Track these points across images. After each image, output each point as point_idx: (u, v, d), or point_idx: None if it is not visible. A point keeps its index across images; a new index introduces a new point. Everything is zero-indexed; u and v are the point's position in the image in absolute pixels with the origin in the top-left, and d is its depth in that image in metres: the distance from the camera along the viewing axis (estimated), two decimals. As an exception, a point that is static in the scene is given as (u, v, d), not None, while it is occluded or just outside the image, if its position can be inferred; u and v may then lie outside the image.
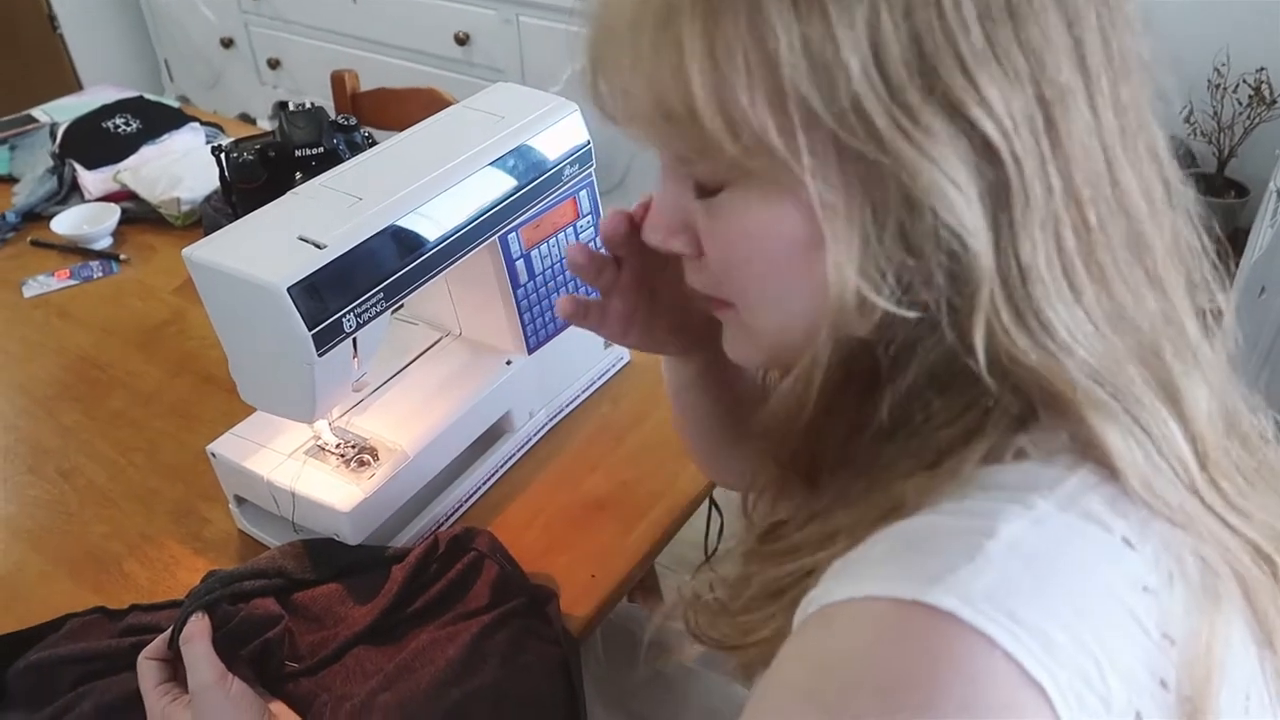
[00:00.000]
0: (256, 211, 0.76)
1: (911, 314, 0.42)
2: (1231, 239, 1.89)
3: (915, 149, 0.38)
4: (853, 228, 0.40)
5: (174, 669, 0.70)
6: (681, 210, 0.48)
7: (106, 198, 1.42)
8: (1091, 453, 0.41)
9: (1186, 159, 1.88)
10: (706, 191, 0.46)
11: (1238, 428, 0.47)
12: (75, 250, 1.34)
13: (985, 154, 0.39)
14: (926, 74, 0.38)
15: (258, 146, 1.17)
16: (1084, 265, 0.41)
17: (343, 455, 0.83)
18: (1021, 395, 0.42)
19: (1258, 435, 0.48)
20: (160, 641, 0.70)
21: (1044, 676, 0.35)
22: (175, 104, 1.64)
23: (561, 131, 0.87)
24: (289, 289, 0.67)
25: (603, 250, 0.62)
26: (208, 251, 0.71)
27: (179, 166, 1.41)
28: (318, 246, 0.70)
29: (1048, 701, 0.35)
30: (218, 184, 1.28)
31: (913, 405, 0.45)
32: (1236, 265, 1.66)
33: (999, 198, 0.39)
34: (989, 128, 0.38)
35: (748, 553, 0.54)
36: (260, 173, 1.16)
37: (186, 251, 0.71)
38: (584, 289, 0.96)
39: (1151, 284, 0.43)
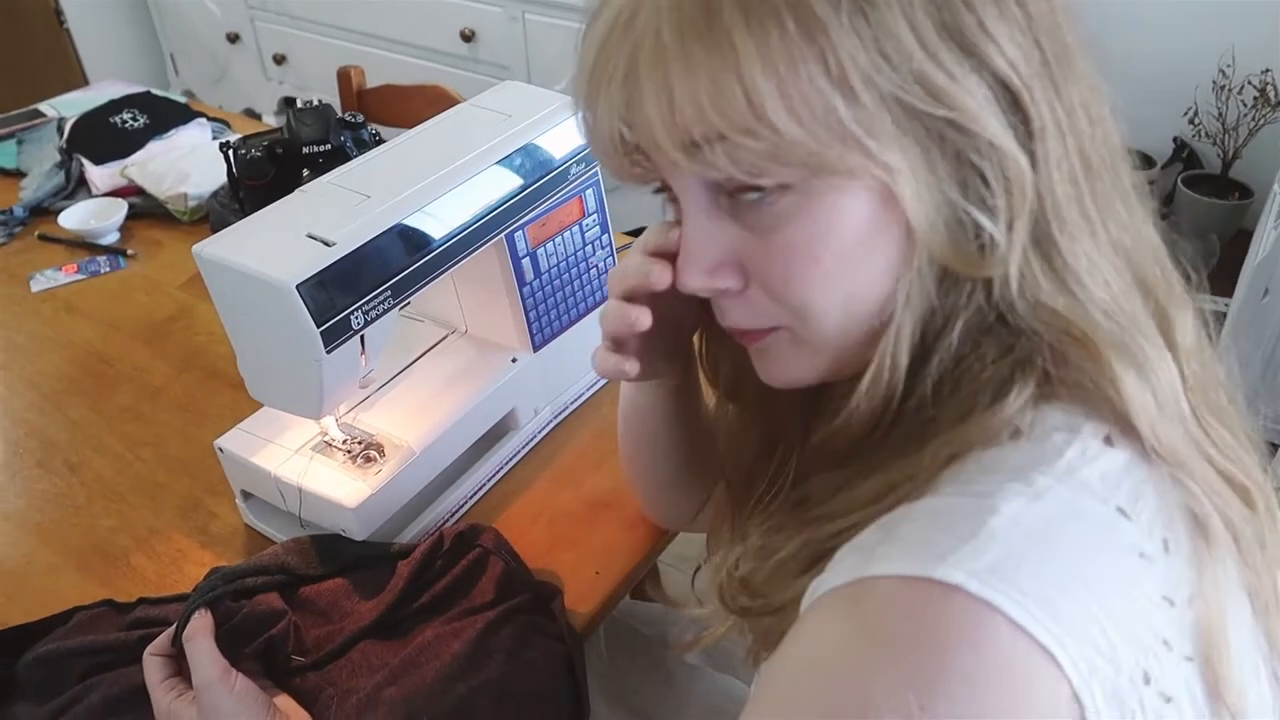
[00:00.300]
0: (265, 209, 0.76)
1: (978, 267, 0.45)
2: (1235, 241, 1.90)
3: (964, 95, 0.43)
4: (920, 185, 0.44)
5: (179, 665, 0.70)
6: (721, 244, 0.48)
7: (114, 193, 1.43)
8: (1099, 405, 0.44)
9: (1191, 160, 1.89)
10: (753, 210, 0.46)
11: (1210, 368, 0.50)
12: (82, 245, 1.35)
13: (1007, 97, 0.44)
14: (953, 33, 0.43)
15: (265, 143, 1.17)
16: (1091, 200, 0.46)
17: (349, 451, 0.83)
18: (1046, 345, 0.46)
19: (1222, 378, 0.51)
20: (164, 638, 0.70)
21: (1052, 643, 0.37)
22: (181, 99, 1.65)
23: (568, 130, 0.88)
24: (298, 286, 0.68)
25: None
26: (217, 248, 0.71)
27: (186, 162, 1.41)
28: (326, 244, 0.71)
29: (1058, 667, 0.37)
30: (224, 180, 1.29)
31: (953, 366, 0.48)
32: (1240, 268, 1.66)
33: (1019, 129, 0.44)
34: (1009, 73, 0.43)
35: (776, 525, 0.56)
36: (268, 169, 1.17)
37: (196, 248, 0.72)
38: (587, 286, 0.96)
39: (1133, 218, 0.48)
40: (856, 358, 0.50)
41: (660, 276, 0.56)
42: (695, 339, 0.66)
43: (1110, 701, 0.38)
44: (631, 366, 0.63)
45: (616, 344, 0.64)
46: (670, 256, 0.54)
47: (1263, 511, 0.48)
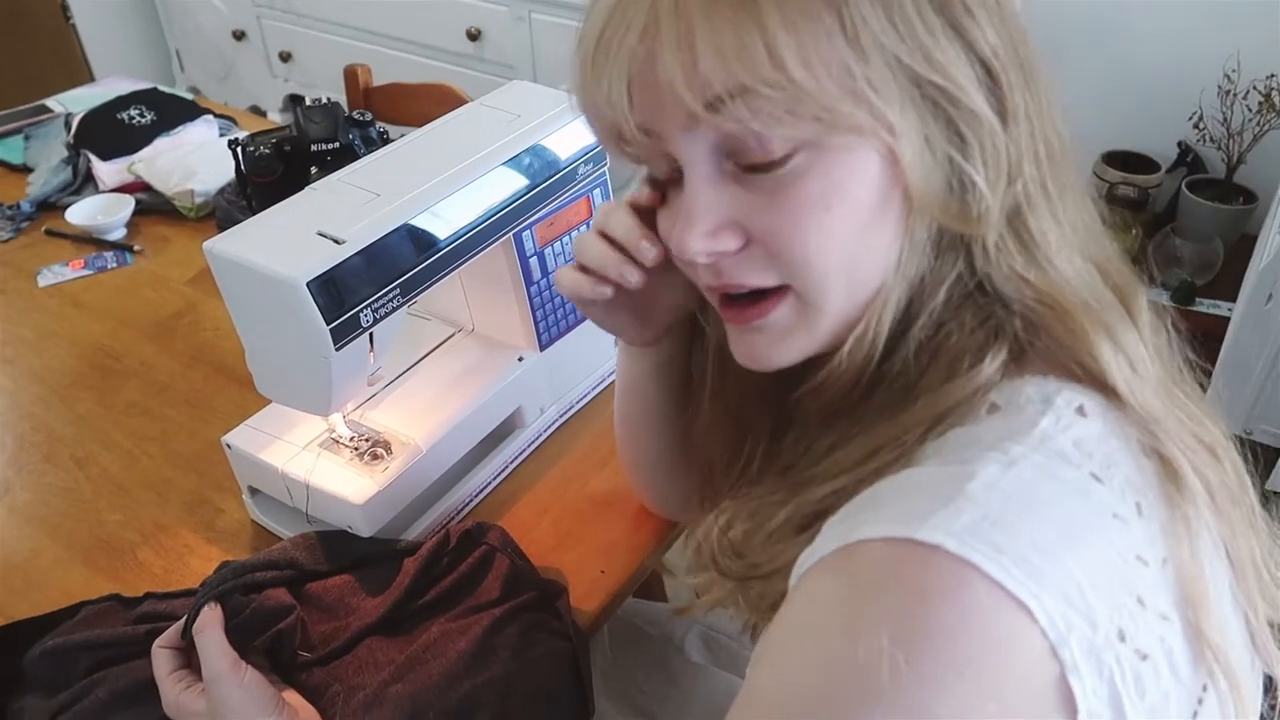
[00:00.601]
0: (275, 206, 0.76)
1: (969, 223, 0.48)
2: (1239, 246, 1.89)
3: (955, 68, 0.46)
4: (919, 147, 0.46)
5: (188, 657, 0.70)
6: (724, 208, 0.49)
7: (121, 189, 1.43)
8: (1074, 373, 0.47)
9: (1195, 165, 1.89)
10: (760, 170, 0.47)
11: (1165, 344, 0.53)
12: (89, 240, 1.35)
13: (988, 79, 0.47)
14: (945, 13, 0.46)
15: (273, 140, 1.17)
16: (1053, 184, 0.50)
17: (356, 448, 0.84)
18: (1020, 315, 0.49)
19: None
20: (174, 631, 0.71)
21: (1029, 599, 0.38)
22: (187, 96, 1.65)
23: (576, 130, 0.88)
24: (308, 283, 0.68)
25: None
26: (228, 245, 0.72)
27: (193, 159, 1.41)
28: (336, 242, 0.71)
29: (1035, 623, 0.38)
30: (231, 176, 1.29)
31: (934, 332, 0.50)
32: (1243, 273, 1.67)
33: (996, 107, 0.48)
34: (990, 56, 0.47)
35: (763, 487, 0.57)
36: (276, 166, 1.17)
37: (207, 245, 0.72)
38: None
39: (1083, 208, 0.52)
40: (844, 330, 0.51)
41: (646, 251, 0.58)
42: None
43: (1088, 658, 0.39)
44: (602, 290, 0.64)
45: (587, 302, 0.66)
46: (650, 226, 0.57)
47: (1229, 469, 0.50)
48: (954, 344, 0.50)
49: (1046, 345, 0.49)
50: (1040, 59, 0.49)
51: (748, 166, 0.47)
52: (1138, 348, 0.49)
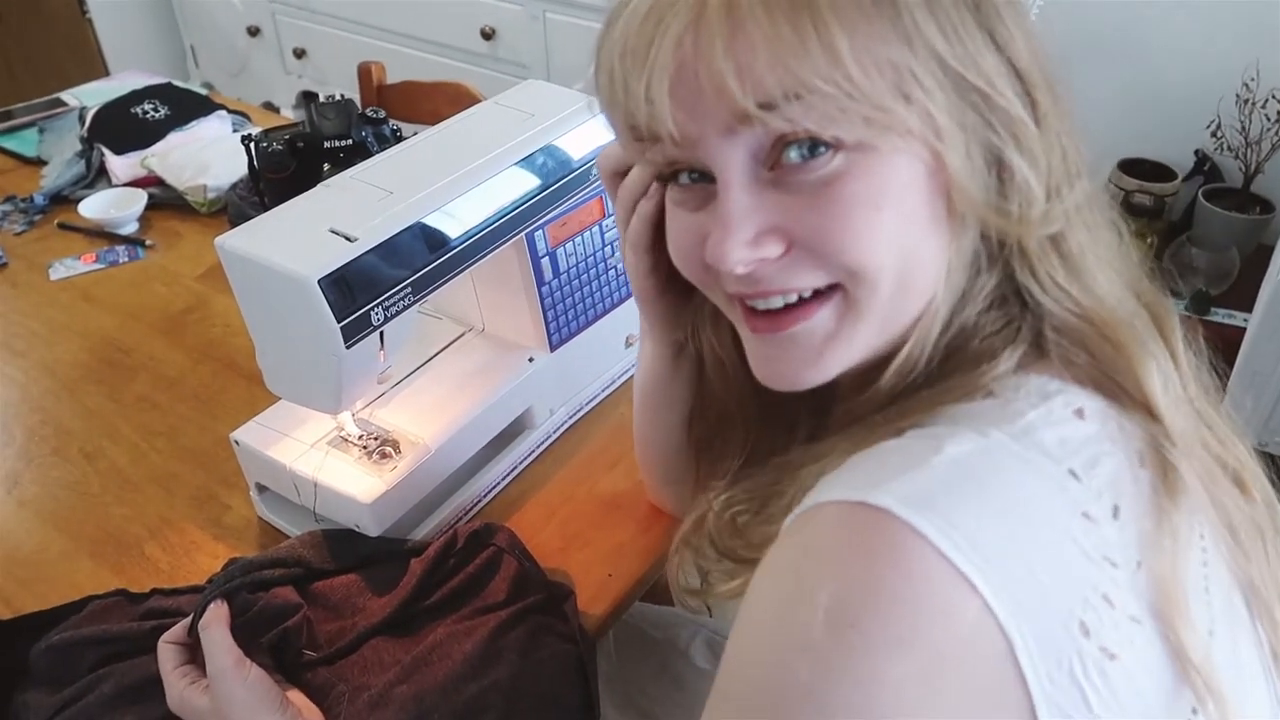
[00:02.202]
0: (288, 202, 0.76)
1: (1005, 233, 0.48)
2: (1255, 256, 1.87)
3: (999, 77, 0.46)
4: (964, 153, 0.46)
5: (193, 653, 0.70)
6: (763, 214, 0.47)
7: (134, 183, 1.43)
8: (1105, 385, 0.47)
9: (1212, 173, 1.87)
10: (803, 173, 0.46)
11: (1195, 365, 0.53)
12: (101, 234, 1.35)
13: (1025, 91, 0.47)
14: (986, 27, 0.46)
15: (287, 137, 1.17)
16: (1085, 201, 0.49)
17: (365, 447, 0.83)
18: (1053, 325, 0.49)
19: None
20: (180, 627, 0.71)
21: (974, 573, 0.38)
22: (201, 91, 1.65)
23: (590, 130, 0.87)
24: (319, 281, 0.68)
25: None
26: (240, 241, 0.71)
27: (206, 154, 1.41)
28: (348, 239, 0.71)
29: (980, 597, 0.38)
30: (244, 172, 1.29)
31: (962, 334, 0.50)
32: (1259, 282, 1.65)
33: (1031, 113, 0.48)
34: (1027, 70, 0.47)
35: (777, 464, 0.57)
36: (289, 163, 1.17)
37: (219, 240, 0.72)
38: (605, 287, 0.96)
39: (1112, 225, 0.52)
40: (886, 343, 0.51)
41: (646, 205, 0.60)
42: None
43: (1043, 645, 0.39)
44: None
45: None
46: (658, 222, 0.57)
47: (1259, 498, 0.50)
48: (973, 347, 0.50)
49: (1080, 359, 0.48)
50: (1061, 81, 0.49)
51: (790, 168, 0.46)
52: (1170, 366, 0.49)
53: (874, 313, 0.49)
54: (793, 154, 0.46)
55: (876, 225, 0.46)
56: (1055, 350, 0.49)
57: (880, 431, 0.49)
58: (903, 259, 0.47)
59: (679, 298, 0.66)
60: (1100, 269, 0.50)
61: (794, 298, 0.49)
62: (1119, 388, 0.47)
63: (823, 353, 0.50)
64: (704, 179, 0.49)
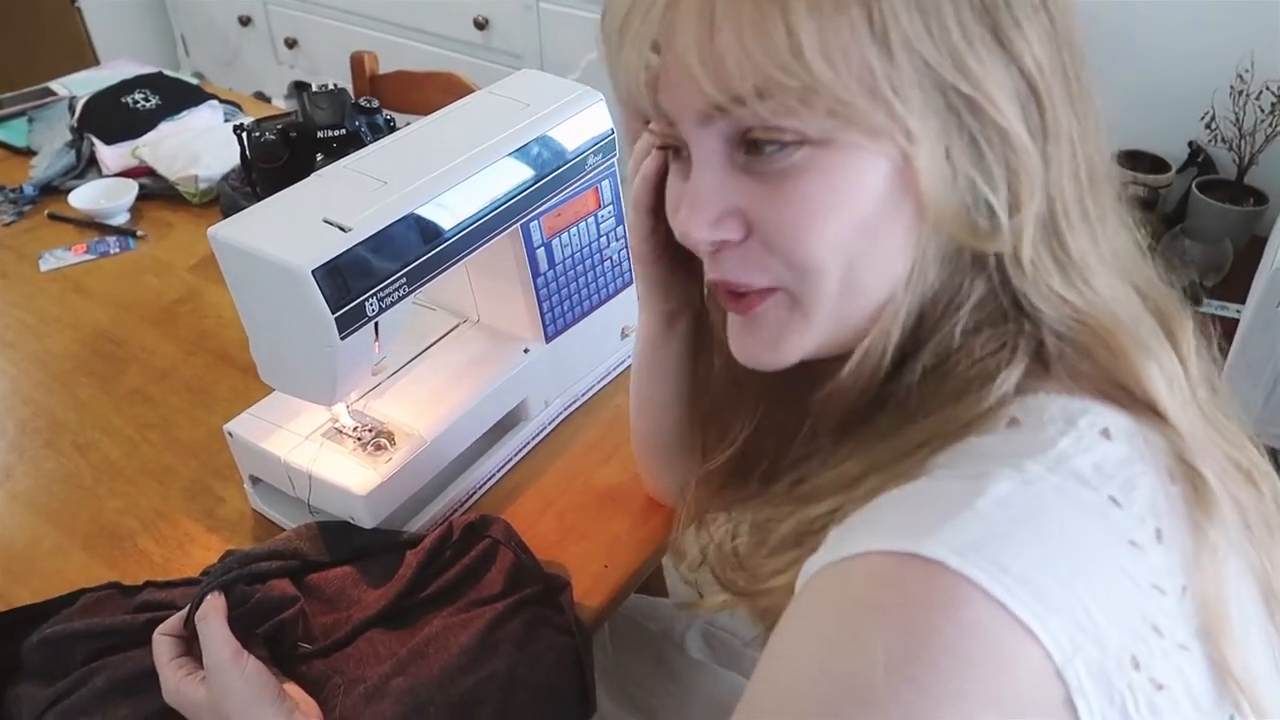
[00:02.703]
0: (281, 192, 0.76)
1: (989, 242, 0.46)
2: (1249, 247, 1.87)
3: (990, 81, 0.44)
4: (936, 158, 0.44)
5: (189, 645, 0.70)
6: (729, 196, 0.48)
7: (124, 173, 1.42)
8: (1107, 393, 0.46)
9: (1206, 165, 1.87)
10: (769, 162, 0.46)
11: (1206, 364, 0.52)
12: (92, 225, 1.34)
13: (1030, 95, 0.45)
14: (990, 23, 0.44)
15: (279, 126, 1.16)
16: (1093, 206, 0.48)
17: (359, 439, 0.83)
18: (1054, 332, 0.47)
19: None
20: (176, 619, 0.70)
21: (1032, 620, 0.37)
22: (192, 80, 1.64)
23: (586, 120, 0.87)
24: (313, 271, 0.67)
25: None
26: (232, 231, 0.71)
27: (198, 144, 1.40)
28: (342, 229, 0.70)
29: (1039, 644, 0.37)
30: (236, 162, 1.28)
31: (953, 350, 0.49)
32: (1253, 274, 1.65)
33: (1035, 124, 0.46)
34: (1035, 72, 0.45)
35: (770, 499, 0.57)
36: (281, 152, 1.16)
37: (211, 231, 0.71)
38: (600, 279, 0.96)
39: (1123, 230, 0.51)
40: (847, 337, 0.50)
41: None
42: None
43: (1096, 682, 0.38)
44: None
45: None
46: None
47: (1268, 495, 0.49)
48: (965, 369, 0.48)
49: (1082, 366, 0.47)
50: (1088, 72, 0.48)
51: (756, 156, 0.46)
52: (1176, 369, 0.48)
53: (821, 308, 0.49)
54: (758, 142, 0.46)
55: (824, 228, 0.46)
56: (1058, 362, 0.47)
57: (887, 463, 0.48)
58: (848, 262, 0.47)
59: (675, 267, 0.67)
60: (1102, 272, 0.48)
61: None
62: (1126, 394, 0.46)
63: (779, 340, 0.51)
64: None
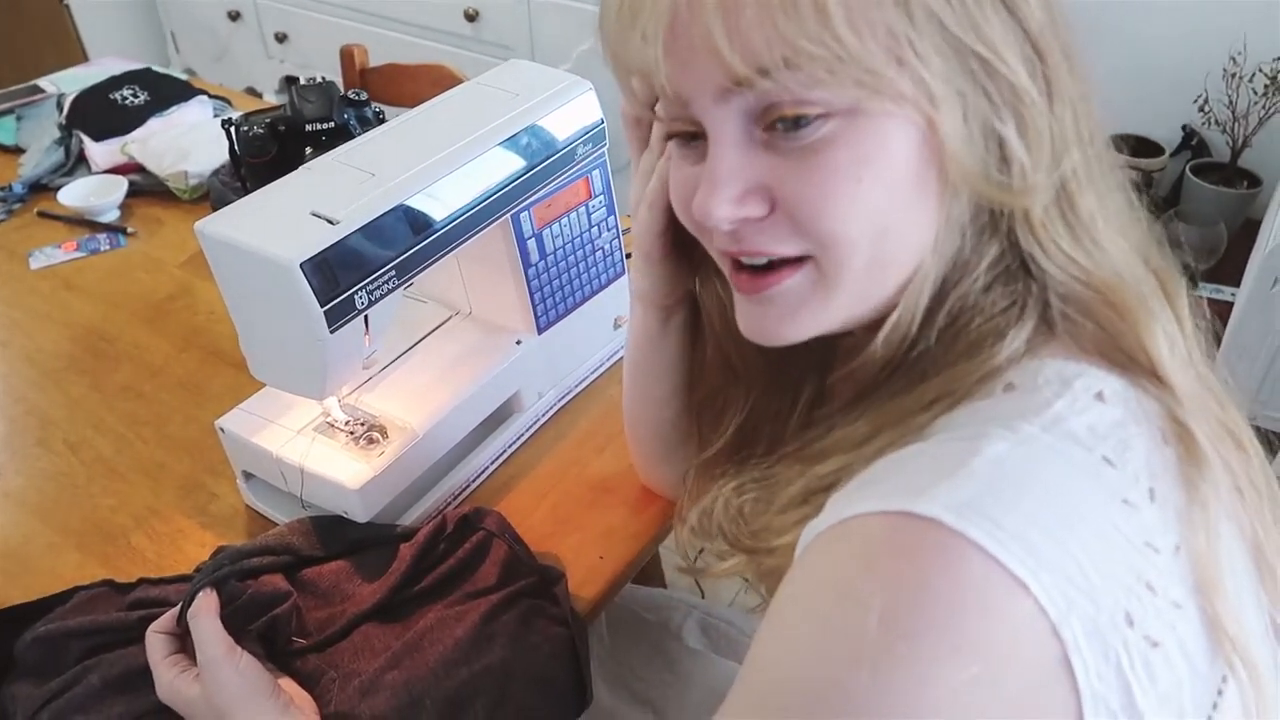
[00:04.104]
0: (268, 186, 0.75)
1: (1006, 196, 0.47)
2: (1243, 230, 1.88)
3: (1004, 44, 0.45)
4: (959, 120, 0.45)
5: (183, 643, 0.70)
6: (751, 173, 0.48)
7: (114, 170, 1.41)
8: (1108, 354, 0.47)
9: (1199, 148, 1.87)
10: (792, 137, 0.45)
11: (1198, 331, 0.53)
12: (82, 222, 1.33)
13: (1035, 58, 0.47)
14: None
15: (268, 120, 1.16)
16: (1097, 168, 0.49)
17: (352, 433, 0.83)
18: (1059, 294, 0.48)
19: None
20: (169, 616, 0.70)
21: (1026, 575, 0.38)
22: (182, 76, 1.63)
23: (575, 110, 0.87)
24: (301, 265, 0.67)
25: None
26: (220, 225, 0.70)
27: (187, 139, 1.40)
28: (330, 222, 0.70)
29: (1033, 599, 0.38)
30: (226, 157, 1.27)
31: (967, 309, 0.50)
32: (1247, 257, 1.65)
33: (1041, 86, 0.47)
34: (1039, 35, 0.46)
35: (779, 459, 0.57)
36: (270, 147, 1.15)
37: (199, 225, 0.71)
38: (592, 268, 0.95)
39: (1121, 190, 0.52)
40: (863, 311, 0.51)
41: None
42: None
43: (1091, 639, 0.39)
44: None
45: None
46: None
47: (1255, 460, 0.50)
48: (977, 326, 0.49)
49: (1086, 327, 0.48)
50: (1080, 49, 0.49)
51: (780, 132, 0.46)
52: (1175, 330, 0.49)
53: (846, 283, 0.49)
54: (784, 118, 0.45)
55: (855, 197, 0.46)
56: (1062, 322, 0.48)
57: (895, 421, 0.48)
58: (880, 233, 0.47)
59: (680, 262, 0.67)
60: (1109, 234, 0.49)
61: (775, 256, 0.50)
62: (1126, 356, 0.47)
63: (798, 314, 0.51)
64: (702, 136, 0.50)
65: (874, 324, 0.51)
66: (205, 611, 0.68)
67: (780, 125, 0.46)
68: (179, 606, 0.69)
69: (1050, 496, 0.41)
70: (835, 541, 0.43)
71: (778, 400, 0.64)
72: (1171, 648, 0.41)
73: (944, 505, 0.39)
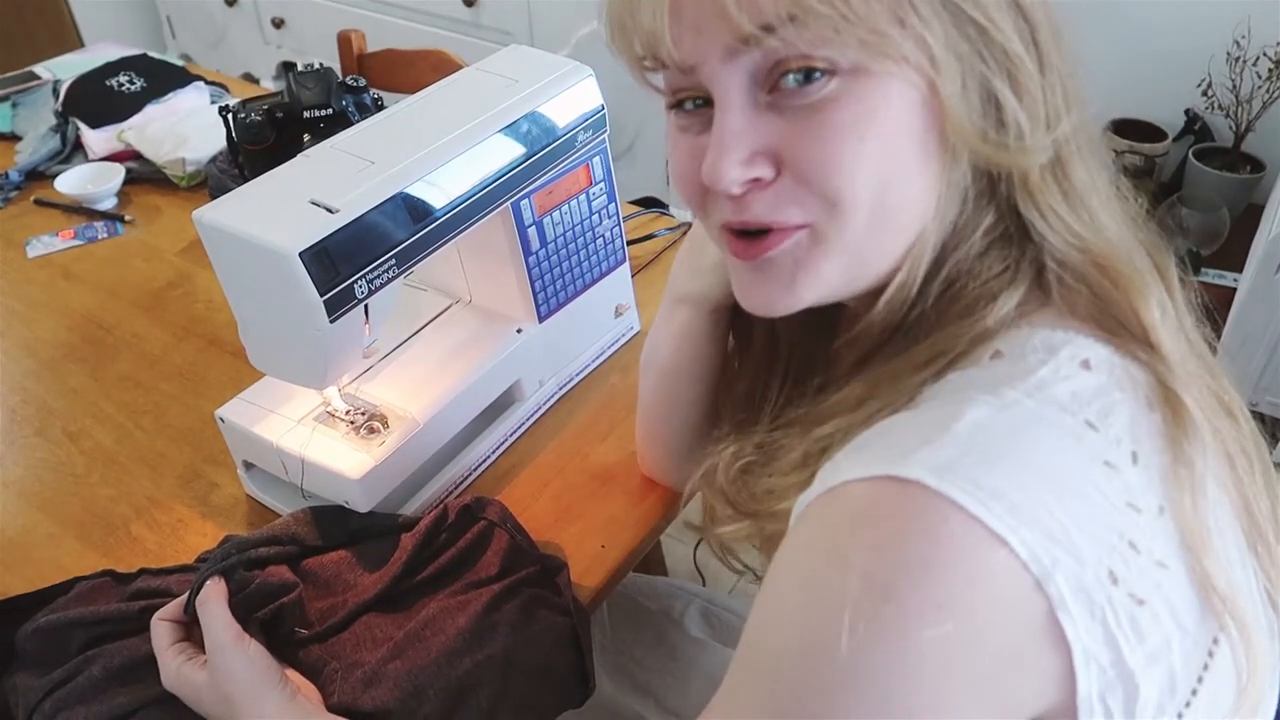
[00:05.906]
0: (267, 174, 0.74)
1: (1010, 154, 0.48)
2: (1245, 215, 1.87)
3: (1000, 13, 0.47)
4: (958, 84, 0.47)
5: (188, 630, 0.70)
6: (757, 135, 0.48)
7: (111, 157, 1.41)
8: (1099, 320, 0.48)
9: (1202, 133, 1.86)
10: (797, 96, 0.46)
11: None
12: (79, 210, 1.33)
13: (1028, 30, 0.48)
14: None
15: (265, 107, 1.15)
16: (1086, 142, 0.51)
17: (352, 422, 0.82)
18: (1056, 260, 0.49)
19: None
20: (176, 604, 0.70)
21: (1006, 532, 0.39)
22: (179, 63, 1.62)
23: (575, 96, 0.86)
24: (300, 254, 0.66)
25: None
26: (218, 214, 0.70)
27: (184, 126, 1.39)
28: (329, 211, 0.69)
29: (1015, 557, 0.39)
30: (223, 144, 1.27)
31: (963, 273, 0.51)
32: (1250, 242, 1.65)
33: (1033, 55, 0.48)
34: (1030, 7, 0.48)
35: (783, 422, 0.58)
36: (268, 134, 1.15)
37: (196, 214, 0.70)
38: (593, 256, 0.95)
39: (1106, 169, 0.52)
40: (868, 276, 0.51)
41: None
42: None
43: (1077, 596, 0.39)
44: None
45: None
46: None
47: (1246, 430, 0.51)
48: (972, 290, 0.50)
49: (1080, 293, 0.49)
50: (1066, 29, 0.50)
51: (786, 91, 0.47)
52: (1167, 301, 0.50)
53: (844, 246, 0.49)
54: (790, 78, 0.46)
55: (860, 154, 0.46)
56: (1056, 287, 0.49)
57: (890, 381, 0.49)
58: (882, 191, 0.47)
59: None
60: (1102, 205, 0.51)
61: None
62: (1118, 323, 0.48)
63: (795, 279, 0.51)
64: (707, 104, 0.50)
65: (874, 292, 0.52)
66: (214, 599, 0.68)
67: (787, 82, 0.46)
68: (187, 594, 0.69)
69: (1031, 457, 0.41)
70: (824, 508, 0.44)
71: (785, 370, 0.65)
72: (1158, 605, 0.42)
73: (925, 467, 0.40)
